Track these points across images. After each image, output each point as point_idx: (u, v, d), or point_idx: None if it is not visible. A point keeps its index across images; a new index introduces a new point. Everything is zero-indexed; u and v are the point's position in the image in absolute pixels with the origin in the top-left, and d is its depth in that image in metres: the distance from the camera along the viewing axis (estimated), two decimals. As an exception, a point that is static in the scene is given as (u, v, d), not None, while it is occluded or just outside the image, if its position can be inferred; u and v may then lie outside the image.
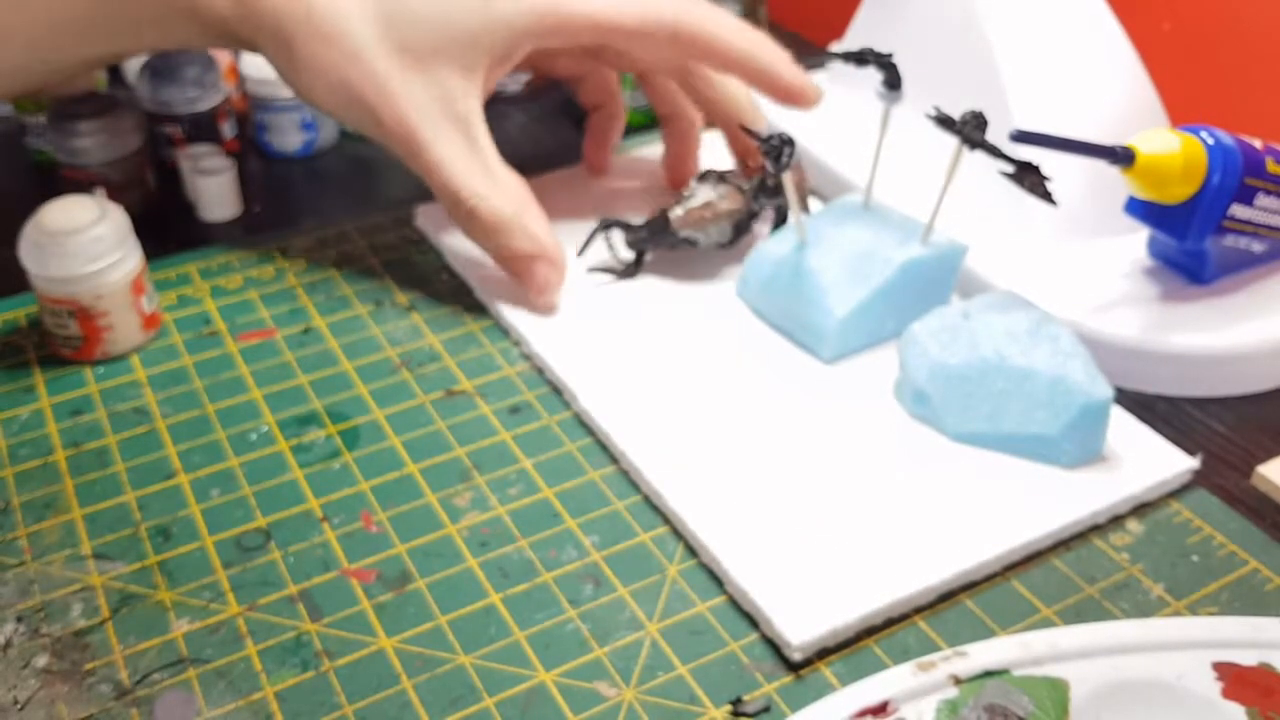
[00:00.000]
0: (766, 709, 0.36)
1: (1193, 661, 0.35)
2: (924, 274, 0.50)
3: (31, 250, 0.47)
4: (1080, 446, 0.44)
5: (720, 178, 0.54)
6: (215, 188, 0.62)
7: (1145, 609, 0.39)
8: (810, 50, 0.75)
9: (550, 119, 0.74)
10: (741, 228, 0.54)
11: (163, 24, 0.49)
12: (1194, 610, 0.39)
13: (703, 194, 0.53)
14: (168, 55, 0.63)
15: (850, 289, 0.49)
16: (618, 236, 0.53)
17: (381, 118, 0.49)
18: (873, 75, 0.51)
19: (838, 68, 0.68)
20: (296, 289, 0.55)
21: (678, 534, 0.42)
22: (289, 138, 0.68)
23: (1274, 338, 0.49)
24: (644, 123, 0.72)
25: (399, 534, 0.42)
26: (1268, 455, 0.46)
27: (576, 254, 0.52)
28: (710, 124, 0.60)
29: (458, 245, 0.56)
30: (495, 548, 0.41)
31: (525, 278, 0.51)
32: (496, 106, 0.71)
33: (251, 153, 0.69)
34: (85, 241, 0.47)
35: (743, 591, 0.39)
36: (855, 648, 0.38)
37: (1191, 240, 0.50)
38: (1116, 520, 0.43)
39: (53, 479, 0.44)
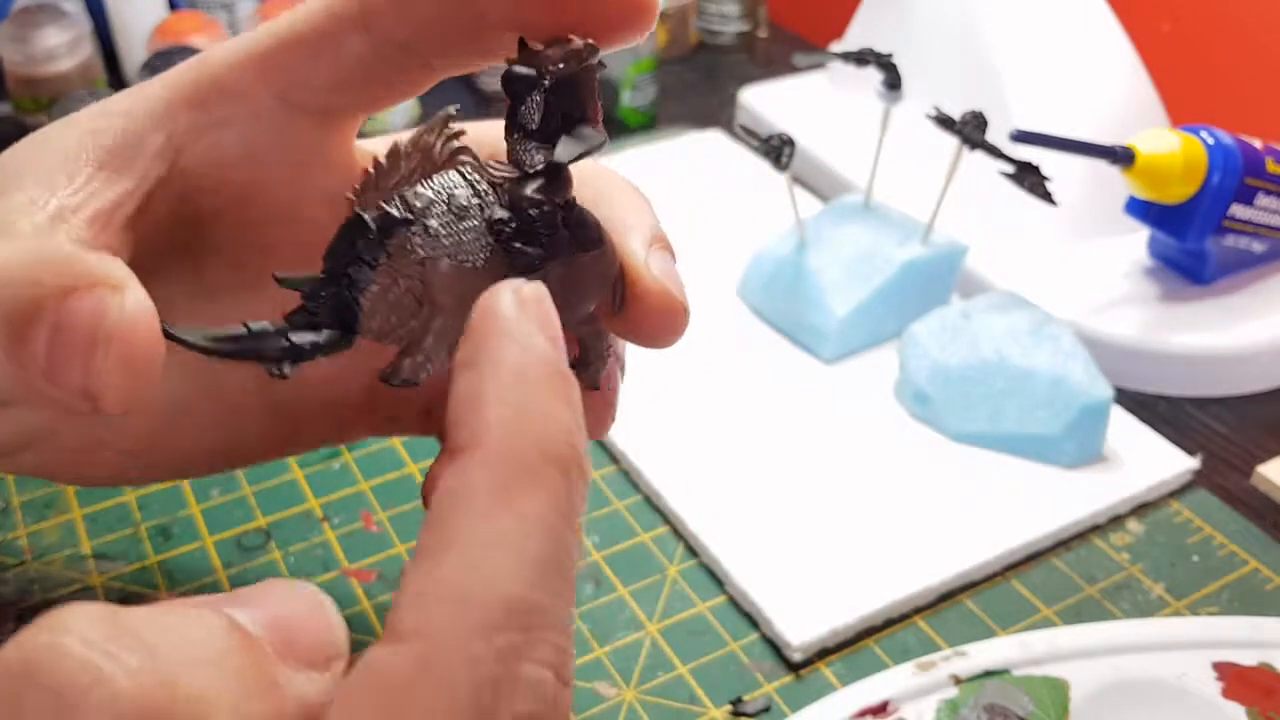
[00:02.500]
0: (766, 709, 0.36)
1: (1193, 661, 0.35)
2: (924, 274, 0.50)
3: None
4: (1080, 446, 0.44)
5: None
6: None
7: (1145, 609, 0.39)
8: (810, 50, 0.75)
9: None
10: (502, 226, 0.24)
11: None
12: (1194, 610, 0.39)
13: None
14: (168, 54, 0.63)
15: (850, 289, 0.49)
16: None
17: None
18: (873, 75, 0.51)
19: (838, 68, 0.68)
20: (296, 289, 0.55)
21: (678, 534, 0.42)
22: (289, 138, 0.68)
23: (1274, 338, 0.49)
24: (644, 122, 0.71)
25: (399, 534, 0.42)
26: (1268, 455, 0.46)
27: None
28: None
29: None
30: (495, 548, 0.41)
31: None
32: (495, 107, 0.71)
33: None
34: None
35: (743, 591, 0.39)
36: (855, 648, 0.38)
37: (1192, 240, 0.50)
38: (1116, 520, 0.43)
39: (53, 479, 0.44)
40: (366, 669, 0.17)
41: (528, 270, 0.24)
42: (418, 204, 0.23)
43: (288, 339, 0.22)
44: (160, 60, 0.63)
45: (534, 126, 0.24)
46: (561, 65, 0.24)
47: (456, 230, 0.23)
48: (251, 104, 0.27)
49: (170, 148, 0.27)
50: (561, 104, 0.24)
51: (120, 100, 0.27)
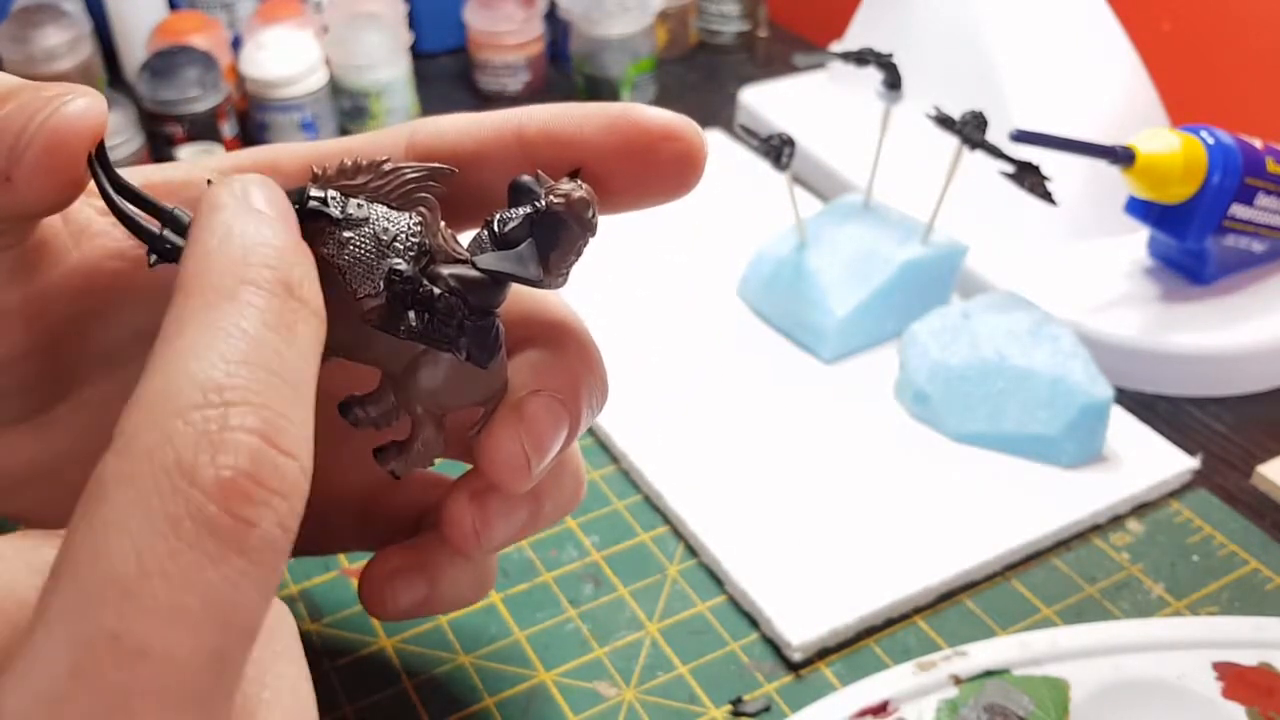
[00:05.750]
0: (766, 709, 0.36)
1: (1193, 661, 0.35)
2: (924, 274, 0.50)
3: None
4: (1080, 446, 0.44)
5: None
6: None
7: (1145, 609, 0.39)
8: (810, 50, 0.75)
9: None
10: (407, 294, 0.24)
11: None
12: (1194, 610, 0.39)
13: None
14: (168, 54, 0.63)
15: (850, 289, 0.49)
16: None
17: None
18: (873, 75, 0.51)
19: (838, 68, 0.68)
20: (296, 289, 0.55)
21: (678, 534, 0.42)
22: (289, 137, 0.68)
23: (1274, 338, 0.49)
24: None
25: (399, 534, 0.42)
26: (1268, 455, 0.46)
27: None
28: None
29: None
30: (495, 548, 0.41)
31: None
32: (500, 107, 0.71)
33: (251, 153, 0.69)
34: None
35: (743, 591, 0.39)
36: (855, 648, 0.38)
37: (1192, 240, 0.50)
38: (1116, 520, 0.43)
39: (53, 479, 0.44)
40: (92, 479, 0.19)
41: (393, 332, 0.24)
42: (353, 213, 0.24)
43: (171, 239, 0.23)
44: (160, 60, 0.63)
45: (501, 232, 0.25)
46: (558, 202, 0.25)
47: (363, 255, 0.24)
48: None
49: None
50: (539, 232, 0.25)
51: (205, 158, 0.29)
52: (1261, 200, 0.50)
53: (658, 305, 0.53)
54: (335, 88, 0.69)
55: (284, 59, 0.66)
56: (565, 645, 0.38)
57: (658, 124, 0.27)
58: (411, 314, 0.24)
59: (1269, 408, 0.49)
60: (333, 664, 0.37)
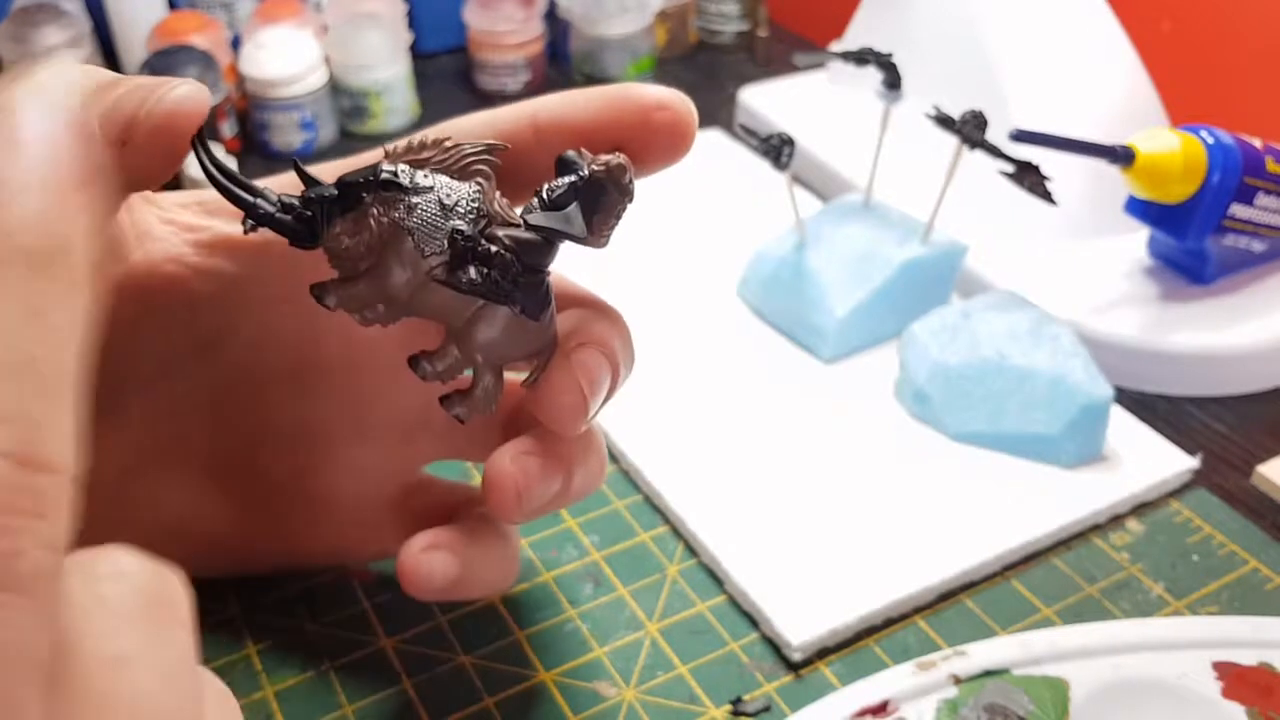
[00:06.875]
0: (766, 709, 0.36)
1: (1193, 661, 0.35)
2: (924, 274, 0.50)
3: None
4: (1080, 446, 0.44)
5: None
6: (215, 187, 0.62)
7: (1145, 609, 0.39)
8: (810, 50, 0.75)
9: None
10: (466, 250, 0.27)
11: None
12: (1194, 610, 0.39)
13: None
14: (167, 54, 0.63)
15: (850, 289, 0.49)
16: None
17: None
18: (873, 75, 0.51)
19: (838, 67, 0.68)
20: (296, 289, 0.55)
21: (678, 534, 0.42)
22: (289, 137, 0.68)
23: (1274, 338, 0.49)
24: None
25: (399, 534, 0.42)
26: (1268, 455, 0.46)
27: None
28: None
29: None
30: (495, 547, 0.41)
31: None
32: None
33: (252, 152, 0.69)
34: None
35: (743, 591, 0.39)
36: (855, 647, 0.38)
37: (1192, 240, 0.50)
38: (1116, 520, 0.43)
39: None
40: None
41: (455, 286, 0.27)
42: (421, 183, 0.27)
43: (264, 206, 0.27)
44: (160, 60, 0.63)
45: (550, 198, 0.28)
46: (599, 170, 0.28)
47: (430, 219, 0.27)
48: None
49: None
50: (583, 198, 0.28)
51: None
52: (1261, 200, 0.50)
53: (658, 305, 0.53)
54: (335, 87, 0.69)
55: (284, 59, 0.66)
56: (565, 645, 0.37)
57: (650, 96, 0.30)
58: (472, 269, 0.27)
59: (1269, 408, 0.49)
60: (333, 664, 0.37)
